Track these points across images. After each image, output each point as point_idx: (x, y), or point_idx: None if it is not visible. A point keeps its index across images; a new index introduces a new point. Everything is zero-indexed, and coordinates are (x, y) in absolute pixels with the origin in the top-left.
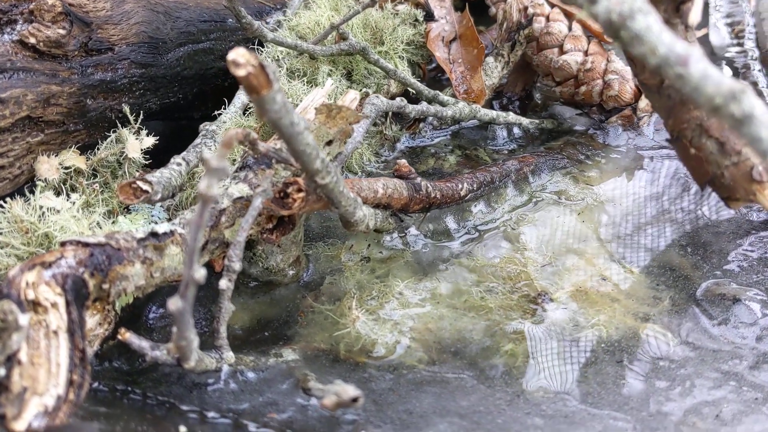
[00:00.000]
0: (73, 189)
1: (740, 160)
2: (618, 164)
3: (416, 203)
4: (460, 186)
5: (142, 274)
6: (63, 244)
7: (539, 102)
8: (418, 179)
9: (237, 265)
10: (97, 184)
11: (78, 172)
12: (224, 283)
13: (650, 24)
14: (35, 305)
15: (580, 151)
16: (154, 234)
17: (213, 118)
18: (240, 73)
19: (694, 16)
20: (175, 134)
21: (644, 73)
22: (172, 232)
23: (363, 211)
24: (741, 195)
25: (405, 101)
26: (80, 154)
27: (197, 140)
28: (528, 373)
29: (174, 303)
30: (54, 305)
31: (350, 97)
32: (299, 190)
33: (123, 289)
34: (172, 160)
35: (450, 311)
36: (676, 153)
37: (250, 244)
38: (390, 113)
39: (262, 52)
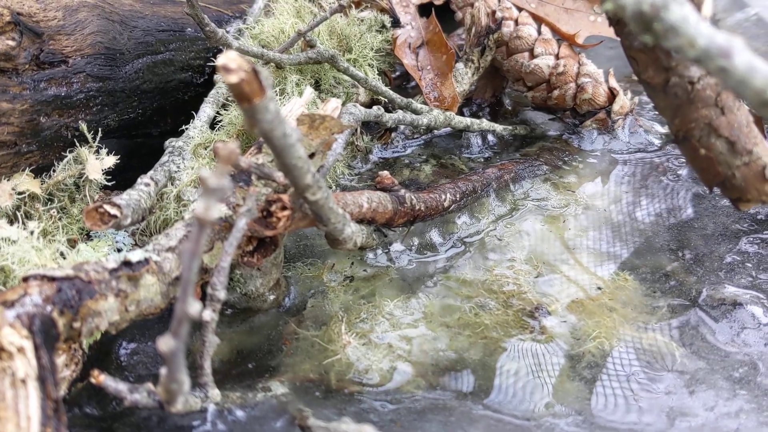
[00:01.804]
0: (28, 216)
1: (752, 160)
2: (596, 168)
3: (401, 216)
4: (443, 197)
5: (116, 309)
6: (26, 279)
7: (509, 108)
8: (402, 191)
9: (221, 294)
10: (54, 210)
11: (33, 197)
12: (208, 314)
13: (686, 14)
14: None
15: (557, 156)
16: (127, 263)
17: (173, 134)
18: (232, 79)
19: (707, 8)
20: (131, 152)
21: (647, 71)
22: (146, 260)
23: (351, 227)
24: (753, 196)
25: (382, 110)
26: (34, 178)
27: (164, 158)
28: (535, 394)
29: (165, 343)
30: (20, 350)
31: (332, 106)
32: (283, 208)
33: (95, 326)
34: (139, 180)
35: (444, 330)
36: (682, 154)
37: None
38: (360, 123)
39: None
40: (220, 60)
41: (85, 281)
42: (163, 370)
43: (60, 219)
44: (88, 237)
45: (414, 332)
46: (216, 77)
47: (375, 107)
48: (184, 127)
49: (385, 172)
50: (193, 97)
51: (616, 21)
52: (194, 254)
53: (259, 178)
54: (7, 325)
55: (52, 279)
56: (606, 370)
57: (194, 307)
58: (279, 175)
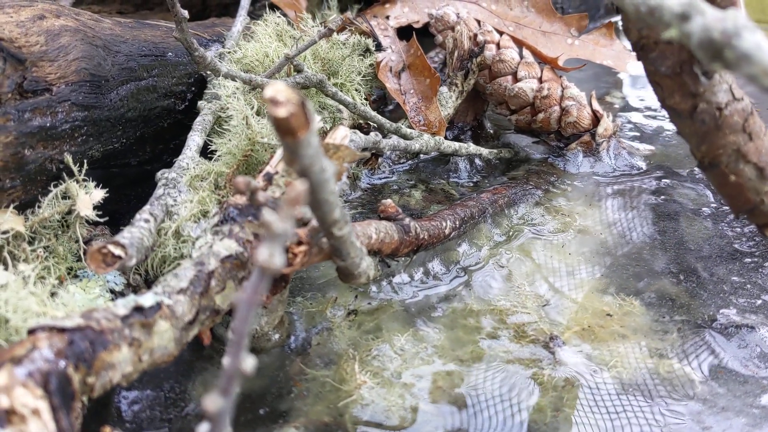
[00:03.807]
0: (14, 257)
1: None
2: (585, 191)
3: (406, 246)
4: (443, 224)
5: (130, 359)
6: (32, 331)
7: (491, 131)
8: (407, 220)
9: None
10: (40, 250)
11: (17, 236)
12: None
13: (759, 41)
14: (10, 415)
15: (545, 180)
16: (138, 309)
17: (151, 163)
18: (280, 113)
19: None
20: (105, 183)
21: (674, 97)
22: (159, 305)
23: (366, 261)
24: None
25: (380, 136)
26: (18, 215)
27: (159, 191)
28: (561, 430)
29: (213, 402)
30: (35, 412)
31: (341, 134)
32: (299, 243)
33: (109, 380)
34: (138, 216)
35: (458, 365)
36: (709, 180)
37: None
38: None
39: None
40: (268, 92)
41: (97, 331)
42: (203, 429)
43: (46, 259)
44: (76, 277)
45: (428, 368)
46: (200, 104)
47: (372, 133)
48: (171, 158)
49: (389, 201)
50: (172, 124)
51: (640, 46)
52: (252, 305)
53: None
54: (18, 385)
55: (62, 330)
56: (628, 400)
57: (248, 362)
58: None
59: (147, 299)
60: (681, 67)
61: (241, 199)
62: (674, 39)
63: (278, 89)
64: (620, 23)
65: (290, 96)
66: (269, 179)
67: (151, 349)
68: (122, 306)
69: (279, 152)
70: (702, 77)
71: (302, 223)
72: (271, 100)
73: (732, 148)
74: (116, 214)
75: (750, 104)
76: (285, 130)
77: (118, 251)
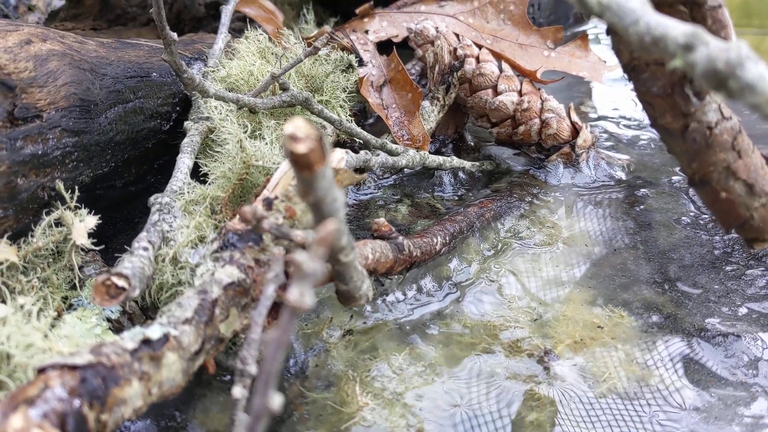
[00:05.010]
0: (10, 289)
1: None
2: (567, 203)
3: (400, 264)
4: (435, 240)
5: (140, 393)
6: (42, 370)
7: (472, 144)
8: (400, 238)
9: (253, 368)
10: (35, 280)
11: (11, 267)
12: (239, 391)
13: (762, 72)
14: None
15: (527, 191)
16: (146, 341)
17: (136, 185)
18: (300, 149)
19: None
20: (89, 206)
21: (665, 117)
22: (166, 337)
23: (367, 283)
24: None
25: (370, 155)
26: (10, 245)
27: (154, 217)
28: None
29: None
30: None
31: (338, 157)
32: None
33: (121, 416)
34: (136, 244)
35: (455, 383)
36: (700, 197)
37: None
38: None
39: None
40: (288, 128)
41: (108, 367)
42: None
43: (41, 289)
44: (70, 306)
45: (427, 387)
46: (187, 124)
47: (362, 152)
48: (155, 178)
49: (382, 220)
50: (156, 144)
51: (632, 67)
52: (282, 344)
53: (276, 239)
54: (35, 427)
55: (73, 368)
56: (627, 413)
57: (276, 400)
58: (296, 234)
59: (154, 331)
60: (672, 88)
61: (240, 225)
62: (679, 69)
63: (298, 125)
64: (598, 35)
65: (309, 132)
66: (269, 204)
67: (160, 382)
68: (130, 339)
69: (276, 175)
70: (693, 98)
71: (304, 247)
72: (291, 137)
73: (722, 166)
74: (103, 236)
75: (738, 123)
76: (303, 164)
77: (121, 283)
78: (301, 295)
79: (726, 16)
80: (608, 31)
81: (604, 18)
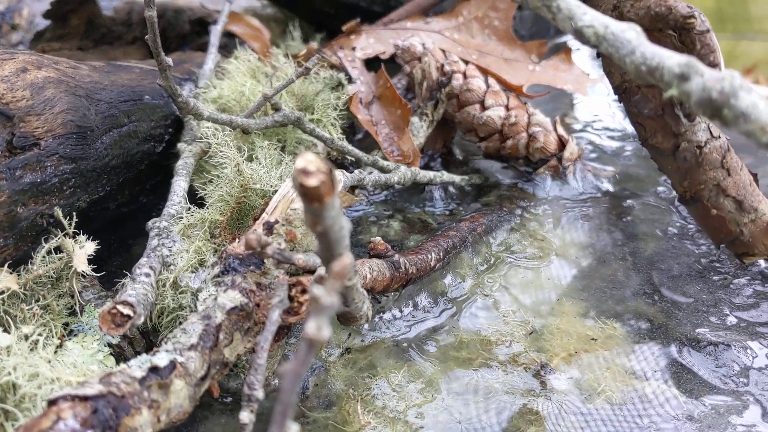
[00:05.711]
0: (12, 318)
1: (757, 217)
2: (555, 215)
3: (396, 282)
4: (429, 257)
5: (150, 422)
6: (53, 401)
7: (460, 158)
8: (396, 256)
9: (260, 393)
10: (36, 308)
11: (12, 295)
12: (246, 416)
13: (755, 101)
14: None
15: (516, 204)
16: (154, 369)
17: (129, 206)
18: (311, 182)
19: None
20: (82, 229)
21: (656, 137)
22: (173, 364)
23: (367, 303)
24: (759, 250)
25: (364, 173)
26: (10, 273)
27: (153, 242)
28: None
29: None
30: None
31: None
32: (304, 291)
33: None
34: (137, 271)
35: (454, 399)
36: (690, 214)
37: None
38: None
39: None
40: (299, 163)
41: (119, 396)
42: None
43: (42, 316)
44: (71, 332)
45: (427, 404)
46: (180, 146)
47: (356, 171)
48: (147, 199)
49: (378, 238)
50: (149, 165)
51: (623, 89)
52: (299, 376)
53: (279, 263)
54: None
55: (84, 398)
56: (626, 424)
57: (293, 430)
58: (298, 258)
59: (161, 359)
60: (663, 109)
61: (240, 249)
62: (675, 98)
63: (309, 160)
64: (584, 52)
65: (320, 166)
66: (270, 229)
67: (169, 409)
68: (138, 367)
69: (274, 199)
70: (683, 119)
71: (306, 271)
72: (303, 171)
73: (712, 183)
74: (97, 259)
75: (727, 141)
76: (313, 197)
77: (127, 311)
78: (318, 329)
79: (714, 40)
80: (599, 54)
81: (601, 48)
